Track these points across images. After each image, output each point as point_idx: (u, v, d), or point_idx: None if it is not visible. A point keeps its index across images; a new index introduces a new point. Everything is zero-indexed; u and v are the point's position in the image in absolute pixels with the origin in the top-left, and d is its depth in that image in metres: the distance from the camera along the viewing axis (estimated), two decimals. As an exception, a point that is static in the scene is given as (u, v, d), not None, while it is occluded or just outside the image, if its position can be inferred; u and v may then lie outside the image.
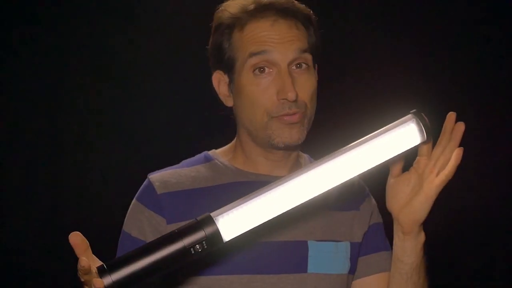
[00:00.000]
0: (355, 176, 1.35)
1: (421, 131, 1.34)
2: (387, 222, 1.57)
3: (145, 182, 1.54)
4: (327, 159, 1.32)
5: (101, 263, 1.24)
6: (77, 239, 1.20)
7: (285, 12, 1.48)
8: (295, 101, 1.44)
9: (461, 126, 1.39)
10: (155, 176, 1.53)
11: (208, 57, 1.57)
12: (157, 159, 1.75)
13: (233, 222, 1.26)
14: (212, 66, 1.57)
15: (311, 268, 1.51)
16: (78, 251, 1.20)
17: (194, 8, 2.94)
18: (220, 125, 1.64)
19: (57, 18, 3.03)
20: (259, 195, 1.28)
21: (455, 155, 1.39)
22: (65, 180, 3.07)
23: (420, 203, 1.42)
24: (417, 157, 1.44)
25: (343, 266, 1.56)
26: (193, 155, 1.62)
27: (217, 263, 1.46)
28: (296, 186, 1.30)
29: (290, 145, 1.48)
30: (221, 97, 1.56)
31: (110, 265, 1.21)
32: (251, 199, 1.28)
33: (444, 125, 1.41)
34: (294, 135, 1.46)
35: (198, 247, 1.22)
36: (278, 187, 1.29)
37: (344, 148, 1.33)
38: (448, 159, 1.40)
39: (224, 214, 1.26)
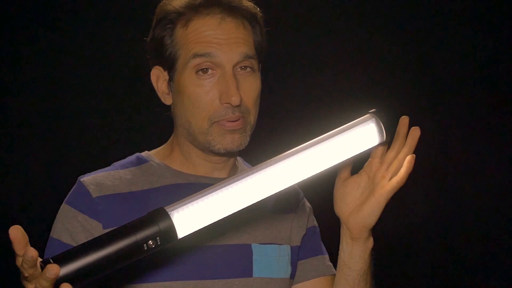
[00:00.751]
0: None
1: (380, 131, 1.31)
2: (330, 226, 1.54)
3: (76, 186, 1.43)
4: (282, 158, 1.27)
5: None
6: (18, 233, 1.09)
7: (232, 10, 1.42)
8: (239, 105, 1.38)
9: (416, 132, 1.35)
10: (88, 179, 1.43)
11: (147, 51, 1.49)
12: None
13: (188, 218, 1.19)
14: (151, 61, 1.48)
15: (256, 272, 1.46)
16: (18, 246, 1.09)
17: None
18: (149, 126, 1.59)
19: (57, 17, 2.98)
20: (214, 191, 1.22)
21: (406, 162, 1.35)
22: (65, 181, 2.99)
23: (370, 208, 1.37)
24: (369, 159, 1.39)
25: (286, 270, 1.52)
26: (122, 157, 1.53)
27: (161, 269, 1.39)
28: (252, 184, 1.24)
29: (232, 152, 1.42)
30: (159, 94, 1.48)
31: (56, 259, 1.11)
32: (205, 195, 1.21)
33: (397, 129, 1.36)
34: (235, 141, 1.40)
35: (151, 243, 1.15)
36: (233, 184, 1.23)
37: (300, 147, 1.28)
38: (401, 165, 1.36)
39: (179, 209, 1.18)
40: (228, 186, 1.23)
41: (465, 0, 3.12)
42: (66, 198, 1.44)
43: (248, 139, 1.43)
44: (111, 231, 1.18)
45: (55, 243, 1.40)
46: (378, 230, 1.42)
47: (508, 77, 3.09)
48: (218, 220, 1.24)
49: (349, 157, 1.31)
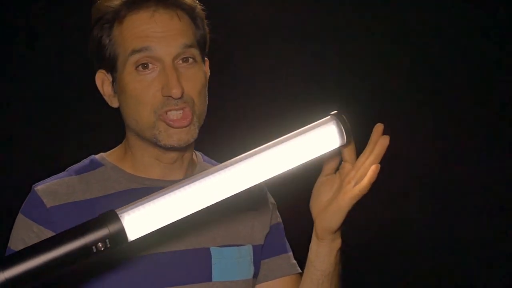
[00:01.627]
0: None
1: (341, 133, 1.27)
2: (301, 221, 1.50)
3: (30, 195, 1.40)
4: (238, 160, 1.23)
5: None
6: None
7: (165, 3, 1.39)
8: (181, 97, 1.36)
9: (384, 140, 1.30)
10: (42, 188, 1.39)
11: (90, 55, 1.46)
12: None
13: (139, 220, 1.15)
14: (95, 65, 1.45)
15: (216, 276, 1.43)
16: None
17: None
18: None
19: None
20: (167, 192, 1.18)
21: (370, 171, 1.29)
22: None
23: (333, 212, 1.33)
24: (342, 162, 1.35)
25: (248, 271, 1.49)
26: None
27: (116, 279, 1.35)
28: (207, 185, 1.20)
29: (180, 146, 1.39)
30: (106, 98, 1.45)
31: (3, 260, 1.07)
32: (158, 197, 1.17)
33: (371, 135, 1.32)
34: (183, 137, 1.38)
35: (100, 245, 1.11)
36: (188, 185, 1.19)
37: (259, 148, 1.24)
38: (366, 173, 1.31)
39: (130, 211, 1.15)
40: (182, 188, 1.19)
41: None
42: (21, 207, 1.41)
43: (196, 131, 1.40)
44: (60, 233, 1.14)
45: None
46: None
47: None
48: (173, 223, 1.20)
49: (309, 158, 1.27)
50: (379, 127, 1.32)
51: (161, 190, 1.19)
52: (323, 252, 1.39)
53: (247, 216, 1.52)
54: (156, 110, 1.37)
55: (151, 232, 1.18)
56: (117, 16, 1.40)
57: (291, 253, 1.58)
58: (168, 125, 1.37)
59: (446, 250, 3.17)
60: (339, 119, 1.27)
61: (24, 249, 1.12)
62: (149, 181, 1.44)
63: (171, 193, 1.19)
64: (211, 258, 1.44)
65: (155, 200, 1.17)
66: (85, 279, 1.36)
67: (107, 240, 1.13)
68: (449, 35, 3.17)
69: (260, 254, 1.53)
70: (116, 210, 1.15)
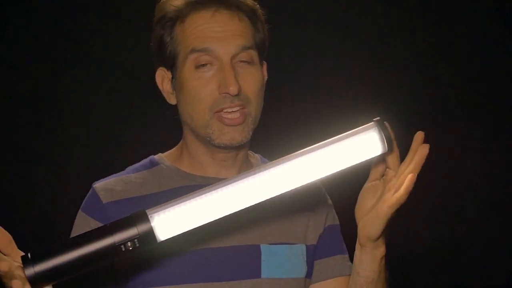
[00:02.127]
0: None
1: (382, 140, 1.23)
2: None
3: (89, 192, 1.46)
4: (278, 162, 1.22)
5: None
6: None
7: (227, 3, 1.41)
8: (238, 95, 1.37)
9: (423, 149, 1.25)
10: (100, 185, 1.45)
11: (152, 53, 1.50)
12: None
13: (171, 221, 1.17)
14: (156, 62, 1.49)
15: (264, 273, 1.44)
16: (1, 245, 1.13)
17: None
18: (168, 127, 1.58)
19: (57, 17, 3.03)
20: (202, 194, 1.19)
21: (406, 180, 1.24)
22: (64, 181, 3.04)
23: (373, 219, 1.29)
24: (386, 169, 1.31)
25: (300, 270, 1.48)
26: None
27: (166, 272, 1.38)
28: (244, 188, 1.20)
29: (233, 145, 1.41)
30: (165, 95, 1.49)
31: (34, 255, 1.12)
32: (192, 197, 1.18)
33: (412, 143, 1.28)
34: (236, 136, 1.39)
35: (129, 244, 1.14)
36: (224, 186, 1.19)
37: (298, 152, 1.23)
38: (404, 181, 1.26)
39: (161, 211, 1.16)
40: (214, 191, 1.20)
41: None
42: (82, 204, 1.47)
43: (250, 132, 1.42)
44: (91, 231, 1.18)
45: None
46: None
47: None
48: (224, 219, 1.21)
49: (349, 165, 1.25)
50: (419, 136, 1.27)
51: (195, 191, 1.21)
52: (366, 259, 1.36)
53: (302, 215, 1.52)
54: (211, 107, 1.39)
55: (203, 228, 1.20)
56: (179, 15, 1.43)
57: (346, 255, 1.56)
58: (222, 122, 1.39)
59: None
60: (380, 126, 1.24)
61: (55, 245, 1.16)
62: (202, 178, 1.46)
63: (203, 195, 1.19)
64: (260, 255, 1.45)
65: (187, 201, 1.19)
66: (136, 270, 1.39)
67: (135, 240, 1.15)
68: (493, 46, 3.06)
69: (313, 254, 1.52)
70: (147, 210, 1.17)
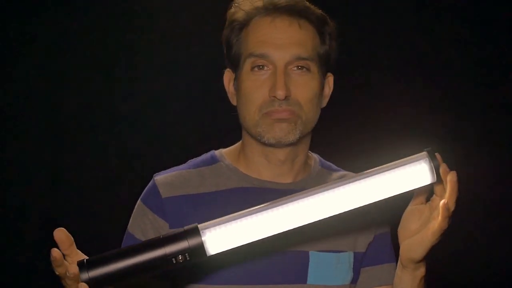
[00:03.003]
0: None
1: (431, 171, 1.26)
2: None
3: (150, 183, 1.51)
4: (331, 186, 1.26)
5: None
6: (62, 235, 1.19)
7: (291, 10, 1.44)
8: (286, 99, 1.41)
9: (451, 176, 1.26)
10: (160, 178, 1.50)
11: (224, 56, 1.55)
12: (163, 158, 1.72)
13: (222, 236, 1.22)
14: (226, 64, 1.55)
15: (310, 279, 1.48)
16: (63, 247, 1.19)
17: (197, 8, 2.98)
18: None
19: (57, 17, 3.05)
20: (254, 213, 1.23)
21: (440, 208, 1.26)
22: (65, 179, 3.09)
23: (417, 243, 1.32)
24: (434, 195, 1.34)
25: (345, 277, 1.51)
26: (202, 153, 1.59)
27: (216, 272, 1.43)
28: (294, 210, 1.24)
29: (281, 142, 1.43)
30: (229, 95, 1.54)
31: (90, 261, 1.19)
32: (245, 215, 1.23)
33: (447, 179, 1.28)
34: (283, 130, 1.42)
35: (180, 257, 1.19)
36: (276, 207, 1.24)
37: (351, 178, 1.27)
38: None
39: (212, 228, 1.21)
40: (269, 210, 1.24)
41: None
42: (142, 194, 1.52)
43: (298, 132, 1.44)
44: (146, 241, 1.24)
45: (129, 236, 1.50)
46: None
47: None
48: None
49: (399, 192, 1.28)
50: (453, 176, 1.27)
51: (247, 210, 1.25)
52: (406, 279, 1.39)
53: (353, 223, 1.53)
54: (261, 109, 1.44)
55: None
56: (246, 20, 1.48)
57: (394, 263, 1.56)
58: (270, 117, 1.43)
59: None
60: (431, 156, 1.27)
61: (110, 252, 1.22)
62: (258, 181, 1.50)
63: (256, 214, 1.24)
64: (308, 261, 1.48)
65: (238, 220, 1.24)
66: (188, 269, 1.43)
67: (186, 254, 1.20)
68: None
69: (361, 261, 1.55)
70: (199, 225, 1.23)
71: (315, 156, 1.60)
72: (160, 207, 1.47)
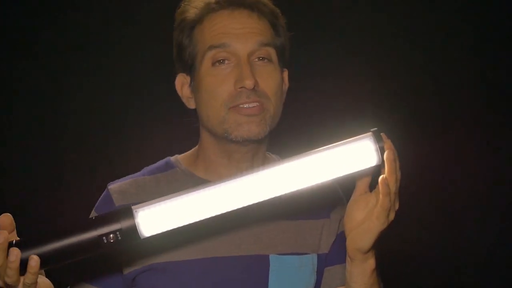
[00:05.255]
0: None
1: (377, 151, 1.21)
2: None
3: (104, 192, 1.47)
4: (271, 166, 1.21)
5: None
6: (6, 220, 1.17)
7: (246, 3, 1.42)
8: (254, 89, 1.36)
9: (387, 154, 1.22)
10: (114, 187, 1.46)
11: (174, 61, 1.50)
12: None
13: (156, 217, 1.17)
14: (176, 69, 1.50)
15: (272, 284, 1.42)
16: (6, 231, 1.17)
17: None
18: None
19: (57, 16, 3.05)
20: (189, 192, 1.19)
21: (379, 184, 1.23)
22: (65, 180, 3.07)
23: (364, 231, 1.27)
24: (381, 176, 1.27)
25: (309, 281, 1.46)
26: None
27: (173, 280, 1.38)
28: (229, 189, 1.19)
29: (249, 139, 1.38)
30: (184, 100, 1.49)
31: (19, 242, 1.15)
32: (179, 195, 1.19)
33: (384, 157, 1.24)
34: (253, 128, 1.37)
35: (111, 237, 1.15)
36: (212, 186, 1.19)
37: (291, 157, 1.22)
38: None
39: (146, 208, 1.17)
40: (206, 188, 1.20)
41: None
42: (95, 204, 1.48)
43: (267, 128, 1.39)
44: (76, 222, 1.19)
45: None
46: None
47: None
48: (233, 228, 1.25)
49: (344, 174, 1.23)
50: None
51: (185, 190, 1.21)
52: (356, 272, 1.32)
53: (317, 224, 1.49)
54: (227, 103, 1.38)
55: (210, 236, 1.25)
56: (197, 17, 1.44)
57: None
58: (238, 113, 1.37)
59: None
60: (377, 137, 1.22)
61: (39, 235, 1.18)
62: None
63: (190, 193, 1.19)
64: (269, 265, 1.43)
65: (175, 199, 1.19)
66: (145, 276, 1.40)
67: (118, 233, 1.16)
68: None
69: (325, 262, 1.50)
70: (133, 206, 1.18)
71: (273, 157, 1.55)
72: None
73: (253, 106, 1.36)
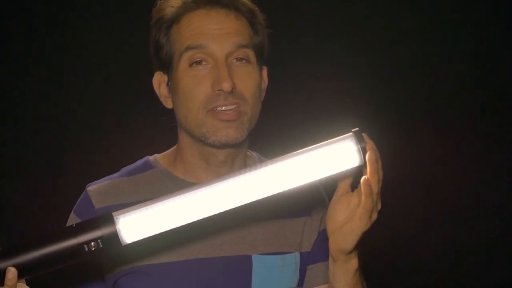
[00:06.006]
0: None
1: (359, 152, 1.21)
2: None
3: (82, 194, 1.45)
4: (253, 169, 1.21)
5: None
6: None
7: (223, 2, 1.40)
8: (232, 91, 1.35)
9: (369, 156, 1.22)
10: (93, 188, 1.44)
11: (150, 59, 1.48)
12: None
13: (137, 224, 1.16)
14: (154, 67, 1.48)
15: (255, 284, 1.41)
16: None
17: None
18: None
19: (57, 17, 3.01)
20: (173, 197, 1.18)
21: (361, 184, 1.23)
22: (64, 180, 3.02)
23: (347, 231, 1.26)
24: (363, 177, 1.26)
25: (291, 280, 1.45)
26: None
27: (154, 283, 1.37)
28: (212, 194, 1.19)
29: (227, 144, 1.37)
30: (162, 99, 1.47)
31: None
32: (161, 200, 1.17)
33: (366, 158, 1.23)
34: (231, 133, 1.36)
35: (92, 245, 1.14)
36: (192, 191, 1.19)
37: (273, 160, 1.22)
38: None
39: (127, 214, 1.16)
40: (186, 193, 1.19)
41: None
42: (74, 207, 1.46)
43: (245, 132, 1.38)
44: (56, 230, 1.18)
45: None
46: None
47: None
48: (216, 228, 1.24)
49: (326, 175, 1.23)
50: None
51: (167, 195, 1.19)
52: (339, 273, 1.33)
53: (298, 221, 1.49)
54: (205, 105, 1.36)
55: (191, 238, 1.23)
56: (175, 16, 1.42)
57: None
58: (216, 117, 1.35)
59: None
60: (358, 138, 1.21)
61: (19, 243, 1.16)
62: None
63: (171, 199, 1.18)
64: (251, 266, 1.42)
65: (156, 204, 1.18)
66: (126, 281, 1.39)
67: (99, 241, 1.15)
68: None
69: (307, 260, 1.49)
70: (113, 213, 1.17)
71: (254, 154, 1.54)
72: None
73: (231, 109, 1.35)
